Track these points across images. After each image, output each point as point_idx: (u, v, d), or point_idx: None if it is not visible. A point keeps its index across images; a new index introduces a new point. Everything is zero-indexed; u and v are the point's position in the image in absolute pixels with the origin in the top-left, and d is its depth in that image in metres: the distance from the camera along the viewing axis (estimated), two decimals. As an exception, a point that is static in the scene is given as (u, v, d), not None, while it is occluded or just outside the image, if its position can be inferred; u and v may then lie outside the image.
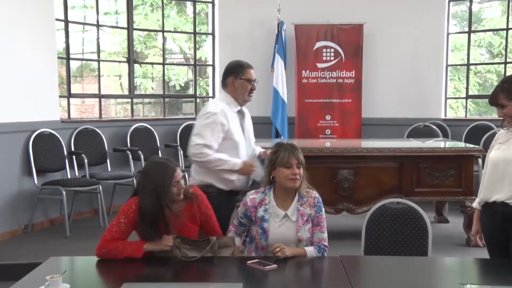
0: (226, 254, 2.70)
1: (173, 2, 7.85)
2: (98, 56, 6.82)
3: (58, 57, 6.11)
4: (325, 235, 2.82)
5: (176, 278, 2.49)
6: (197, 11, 7.78)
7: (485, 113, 8.28)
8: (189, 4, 7.78)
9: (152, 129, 6.75)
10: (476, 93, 8.05)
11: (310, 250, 2.73)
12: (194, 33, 7.59)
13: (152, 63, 8.24)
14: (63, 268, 2.54)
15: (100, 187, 5.67)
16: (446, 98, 7.35)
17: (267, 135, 6.93)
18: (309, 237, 2.77)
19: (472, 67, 7.61)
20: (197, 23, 7.66)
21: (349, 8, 7.06)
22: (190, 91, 7.96)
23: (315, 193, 2.87)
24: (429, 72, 7.18)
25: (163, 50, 7.65)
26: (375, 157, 4.93)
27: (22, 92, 5.44)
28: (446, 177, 4.96)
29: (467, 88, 7.41)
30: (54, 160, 5.71)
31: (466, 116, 7.44)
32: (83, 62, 7.57)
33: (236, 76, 3.40)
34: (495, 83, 8.22)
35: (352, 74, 6.99)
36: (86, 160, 5.88)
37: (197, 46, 7.75)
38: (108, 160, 6.27)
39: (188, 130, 7.03)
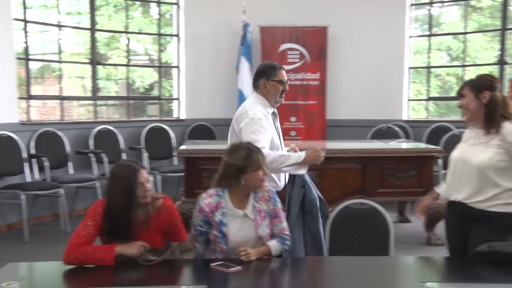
0: (189, 258, 2.68)
1: (137, 3, 7.77)
2: (60, 57, 6.67)
3: (17, 58, 5.96)
4: (285, 224, 2.84)
5: (139, 282, 2.46)
6: (161, 13, 7.71)
7: (445, 114, 8.47)
8: (153, 5, 7.71)
9: (116, 131, 6.66)
10: (437, 95, 8.22)
11: (274, 245, 2.73)
12: (159, 34, 7.52)
13: (116, 65, 8.11)
14: (21, 274, 2.47)
15: (62, 190, 5.55)
16: (408, 100, 7.50)
17: (232, 137, 6.91)
18: (268, 233, 2.76)
19: (432, 69, 7.79)
20: (162, 25, 7.60)
21: (314, 11, 7.12)
22: (155, 93, 7.89)
23: (268, 187, 2.88)
24: (391, 74, 7.31)
25: (127, 51, 7.54)
26: (339, 158, 4.98)
27: (-20, 93, 5.29)
28: (408, 178, 5.05)
29: (428, 90, 7.57)
30: (12, 163, 5.56)
31: (427, 117, 7.61)
32: (44, 63, 7.39)
33: (268, 78, 3.37)
34: (454, 86, 8.45)
35: (317, 76, 7.06)
36: (46, 163, 5.74)
37: (162, 47, 7.69)
38: (70, 163, 6.14)
39: (153, 132, 6.99)
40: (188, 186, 4.77)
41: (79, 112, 7.51)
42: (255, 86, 3.42)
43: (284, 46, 7.08)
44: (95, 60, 6.87)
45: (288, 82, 3.44)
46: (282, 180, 3.41)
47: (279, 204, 2.85)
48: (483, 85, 2.82)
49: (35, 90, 6.60)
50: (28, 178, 5.68)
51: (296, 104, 7.07)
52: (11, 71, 5.73)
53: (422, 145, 5.75)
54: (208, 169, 4.49)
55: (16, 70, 5.90)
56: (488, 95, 2.78)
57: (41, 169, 5.80)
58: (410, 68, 7.46)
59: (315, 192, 3.51)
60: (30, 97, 6.27)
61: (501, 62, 6.86)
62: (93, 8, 6.78)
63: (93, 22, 6.80)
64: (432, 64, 7.66)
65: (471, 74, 8.41)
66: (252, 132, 3.17)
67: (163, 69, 7.86)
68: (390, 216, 3.09)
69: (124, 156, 6.55)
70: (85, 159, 6.31)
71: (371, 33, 7.24)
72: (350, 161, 5.02)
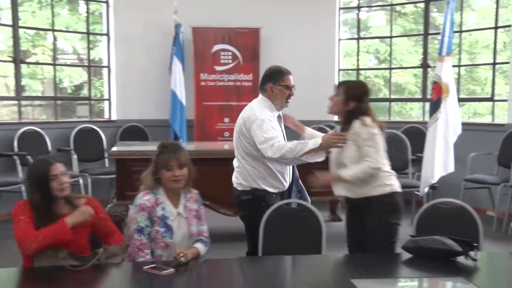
0: (116, 262, 2.67)
1: (64, 0, 7.50)
2: (-20, 55, 6.34)
3: None
4: (206, 227, 2.95)
5: (68, 289, 2.39)
6: (90, 11, 7.48)
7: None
8: (82, 3, 7.47)
9: (43, 133, 6.39)
10: (366, 96, 8.51)
11: (201, 247, 2.84)
12: (88, 33, 7.29)
13: (42, 64, 7.80)
14: None
15: (-16, 195, 5.27)
16: (338, 101, 7.69)
17: (165, 139, 6.81)
18: (197, 231, 2.88)
19: (362, 71, 8.05)
20: (90, 23, 7.36)
21: (246, 12, 7.16)
22: (85, 93, 7.64)
23: (194, 190, 2.98)
24: (323, 76, 7.47)
25: (54, 50, 7.26)
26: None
27: None
28: (339, 177, 5.18)
29: (357, 92, 7.81)
30: None
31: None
32: (-37, 61, 6.99)
33: (275, 82, 3.41)
34: (383, 87, 8.78)
35: (249, 77, 7.10)
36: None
37: (91, 46, 7.46)
38: (-8, 167, 5.84)
39: (82, 133, 6.77)
40: (119, 188, 4.67)
41: (2, 113, 7.17)
42: (262, 89, 3.48)
43: (216, 47, 7.07)
44: (19, 58, 6.56)
45: (294, 87, 3.50)
46: (287, 180, 3.48)
47: (203, 207, 2.98)
48: (352, 96, 3.15)
49: (-47, 89, 6.23)
50: None
51: (229, 105, 7.08)
52: None
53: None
54: (140, 171, 4.33)
55: None
56: (352, 106, 3.14)
57: (-40, 173, 5.48)
58: (340, 70, 7.67)
59: (308, 198, 3.61)
60: None
61: (424, 65, 7.19)
62: (15, 4, 6.47)
63: (15, 18, 6.48)
64: (361, 67, 7.91)
65: (397, 76, 8.79)
66: (265, 131, 3.25)
67: (93, 68, 7.64)
68: (322, 215, 3.16)
69: (51, 158, 6.30)
70: (9, 161, 6.02)
71: (303, 35, 7.37)
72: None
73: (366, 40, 8.30)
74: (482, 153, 6.01)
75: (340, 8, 7.57)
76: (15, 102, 6.74)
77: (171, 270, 2.47)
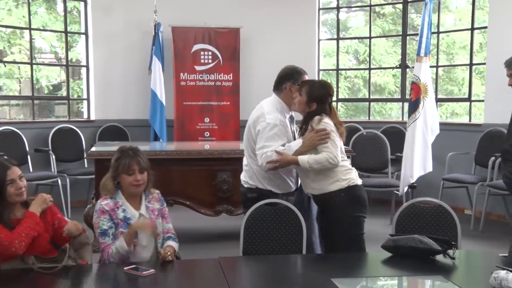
0: (87, 254, 2.64)
1: (42, -2, 7.42)
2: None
3: None
4: (171, 225, 2.96)
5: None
6: (68, 9, 7.39)
7: (354, 115, 8.86)
8: (59, 1, 7.37)
9: (20, 133, 6.29)
10: (346, 96, 8.58)
11: (174, 244, 2.85)
12: (66, 32, 7.19)
13: (18, 63, 7.68)
14: None
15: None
16: (318, 101, 7.72)
17: (145, 138, 6.78)
18: (162, 230, 2.88)
19: (342, 72, 8.10)
20: (68, 22, 7.27)
21: (226, 12, 7.15)
22: (63, 93, 7.54)
23: (155, 190, 2.98)
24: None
25: (31, 49, 7.15)
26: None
27: None
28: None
29: (337, 92, 7.87)
30: None
31: (336, 118, 7.88)
32: None
33: (294, 82, 3.41)
34: (362, 87, 8.85)
35: (229, 77, 7.09)
36: None
37: (69, 46, 7.37)
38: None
39: (61, 133, 6.68)
40: (99, 189, 4.61)
41: (-22, 113, 7.05)
42: (278, 89, 3.47)
43: (196, 47, 7.03)
44: (-5, 57, 6.46)
45: None
46: (294, 182, 3.47)
47: (165, 205, 2.99)
48: (314, 98, 3.19)
49: None
50: None
51: (210, 105, 7.06)
52: None
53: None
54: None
55: None
56: (314, 107, 3.18)
57: None
58: (320, 70, 7.71)
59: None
60: None
61: (403, 66, 7.27)
62: (-9, 2, 6.36)
63: (-9, 16, 6.38)
64: (341, 67, 7.96)
65: (377, 76, 8.87)
66: (266, 139, 3.25)
67: (71, 68, 7.54)
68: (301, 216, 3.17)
69: (28, 158, 6.22)
70: (-15, 163, 5.90)
71: (283, 35, 7.38)
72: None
73: (345, 40, 8.36)
74: (460, 153, 6.10)
75: (319, 9, 7.60)
76: (-9, 101, 6.63)
77: (152, 271, 2.46)
